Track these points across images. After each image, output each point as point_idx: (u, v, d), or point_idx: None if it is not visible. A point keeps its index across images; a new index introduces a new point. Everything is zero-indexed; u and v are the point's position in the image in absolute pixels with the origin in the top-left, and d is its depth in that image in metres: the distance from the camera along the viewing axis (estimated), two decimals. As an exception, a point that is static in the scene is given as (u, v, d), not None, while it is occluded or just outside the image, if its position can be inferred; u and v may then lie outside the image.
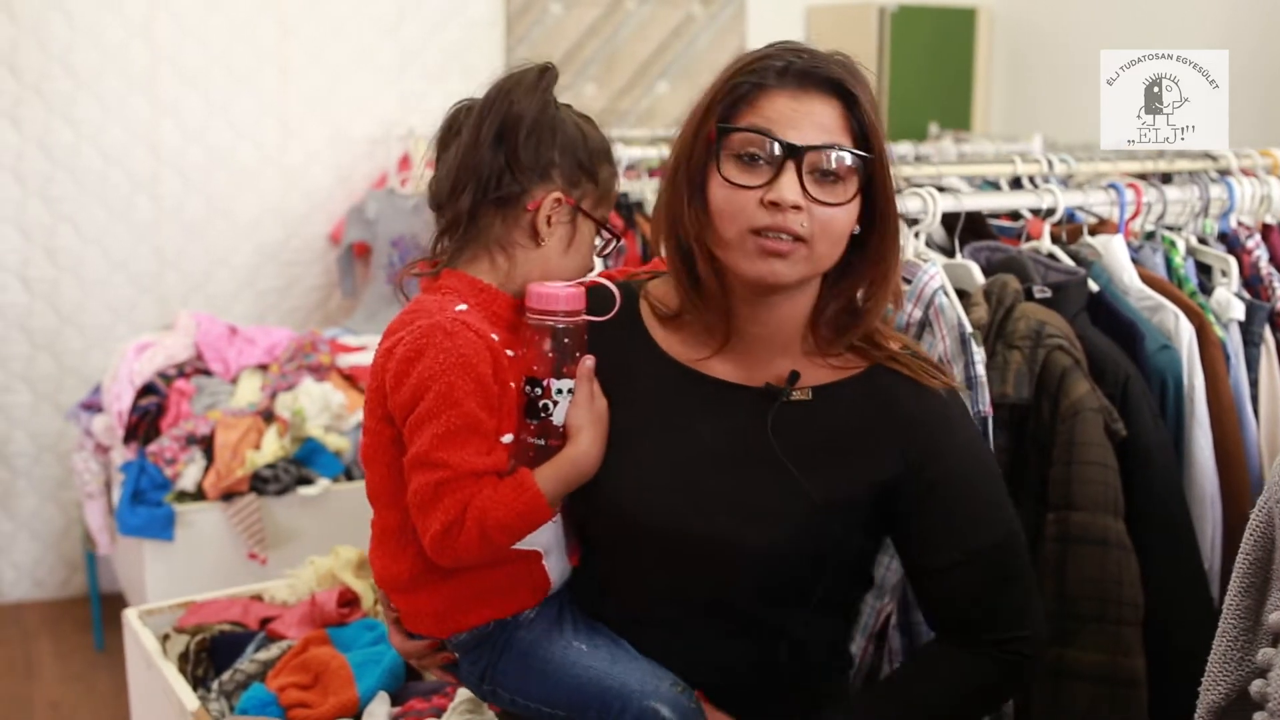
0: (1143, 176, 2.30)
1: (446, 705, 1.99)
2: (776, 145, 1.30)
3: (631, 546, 1.42)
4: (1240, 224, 2.26)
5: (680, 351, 1.45)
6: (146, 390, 3.69)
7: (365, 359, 3.83)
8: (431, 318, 1.33)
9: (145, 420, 3.61)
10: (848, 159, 1.32)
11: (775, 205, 1.30)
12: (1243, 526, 1.24)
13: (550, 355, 1.38)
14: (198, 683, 2.27)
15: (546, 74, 1.39)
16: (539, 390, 1.37)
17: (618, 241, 1.52)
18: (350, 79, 4.68)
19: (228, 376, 3.79)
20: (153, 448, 3.44)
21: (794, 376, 1.40)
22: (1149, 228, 2.24)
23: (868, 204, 1.37)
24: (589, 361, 1.40)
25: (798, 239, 1.31)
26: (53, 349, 4.36)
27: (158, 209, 4.44)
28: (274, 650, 2.26)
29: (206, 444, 3.45)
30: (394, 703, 2.08)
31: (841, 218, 1.33)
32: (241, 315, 4.54)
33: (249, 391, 3.69)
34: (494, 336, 1.35)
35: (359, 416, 3.62)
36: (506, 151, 1.37)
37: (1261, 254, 2.20)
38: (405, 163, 4.44)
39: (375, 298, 4.33)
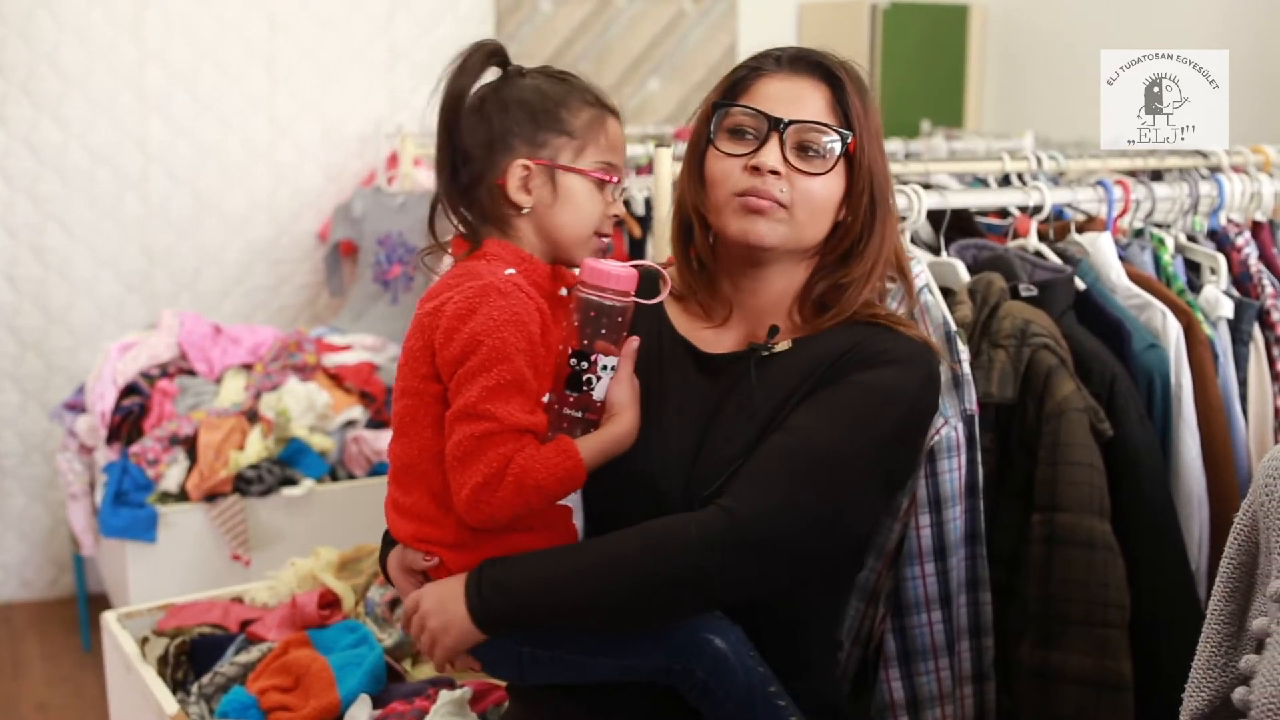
0: (1132, 174, 2.28)
1: (428, 707, 1.98)
2: (762, 118, 1.44)
3: (648, 513, 1.41)
4: (1230, 221, 2.24)
5: (688, 326, 1.55)
6: (129, 390, 3.67)
7: (351, 358, 3.81)
8: (483, 279, 1.36)
9: (128, 420, 3.59)
10: (827, 135, 1.44)
11: (756, 170, 1.43)
12: (1230, 527, 1.22)
13: (601, 332, 1.40)
14: (177, 686, 2.25)
15: (476, 51, 1.42)
16: (585, 364, 1.40)
17: (615, 182, 1.48)
18: (340, 76, 4.66)
19: (211, 376, 3.77)
20: (135, 448, 3.42)
21: (773, 330, 1.49)
22: (1138, 225, 2.22)
23: (858, 190, 1.47)
24: (634, 342, 1.45)
25: (778, 204, 1.43)
26: (40, 348, 4.34)
27: (146, 207, 4.42)
28: (254, 653, 2.25)
29: (190, 444, 3.43)
30: (375, 705, 2.07)
31: (819, 189, 1.44)
32: (230, 313, 4.52)
33: (233, 391, 3.67)
34: (541, 300, 1.39)
35: (344, 416, 3.60)
36: (457, 136, 1.41)
37: (1251, 251, 2.18)
38: (393, 160, 4.43)
39: (362, 296, 4.31)
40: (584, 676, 1.44)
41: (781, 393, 1.44)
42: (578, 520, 1.47)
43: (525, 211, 1.43)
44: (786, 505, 1.35)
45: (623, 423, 1.41)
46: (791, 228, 1.44)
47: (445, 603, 1.38)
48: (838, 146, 1.44)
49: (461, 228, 1.47)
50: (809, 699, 1.50)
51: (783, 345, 1.48)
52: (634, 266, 1.43)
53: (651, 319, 1.52)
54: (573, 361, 1.40)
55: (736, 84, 1.49)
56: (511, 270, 1.39)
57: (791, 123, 1.43)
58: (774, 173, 1.42)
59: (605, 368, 1.41)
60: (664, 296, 1.50)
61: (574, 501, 1.46)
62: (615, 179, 1.46)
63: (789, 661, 1.48)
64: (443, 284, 1.41)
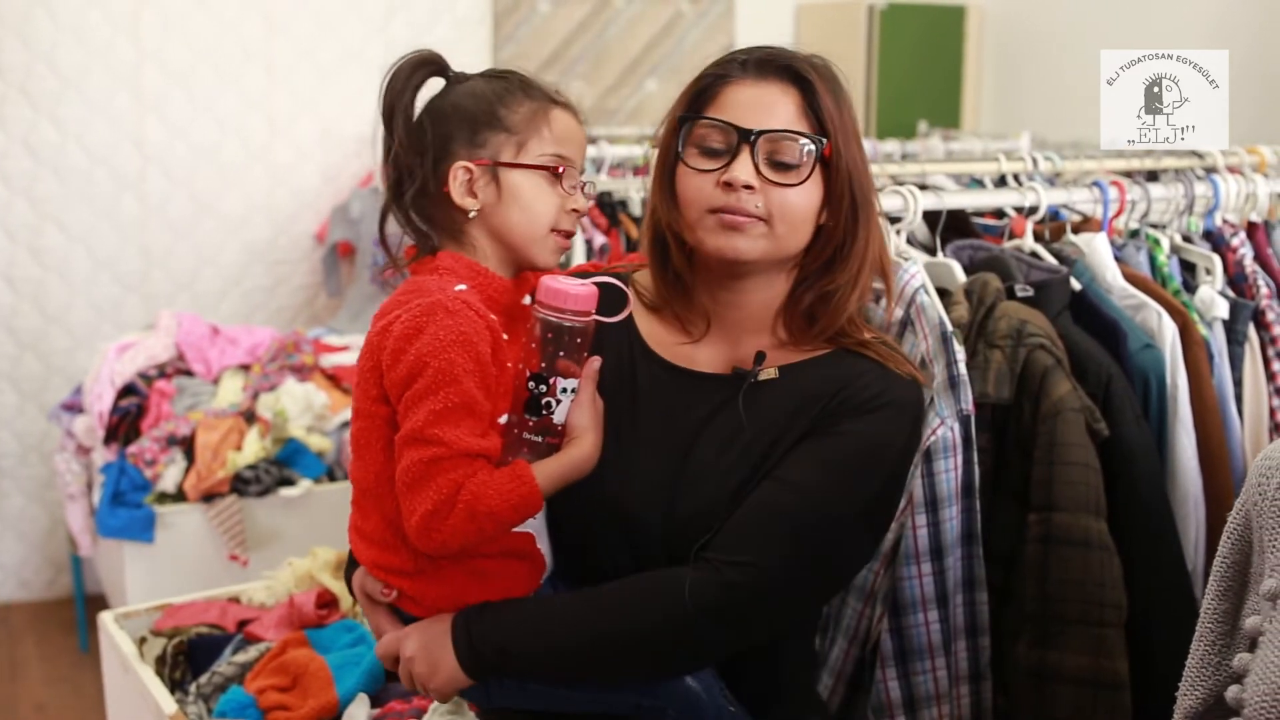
0: (1128, 174, 2.29)
1: (427, 706, 1.98)
2: (732, 131, 1.36)
3: (619, 537, 1.41)
4: (1225, 222, 2.25)
5: (663, 341, 1.48)
6: (127, 391, 3.67)
7: (349, 359, 3.81)
8: (431, 296, 1.31)
9: (126, 421, 3.59)
10: (800, 143, 1.37)
11: (729, 186, 1.36)
12: (1226, 527, 1.23)
13: (560, 354, 1.35)
14: (175, 686, 2.25)
15: (401, 68, 1.39)
16: (544, 387, 1.34)
17: (555, 171, 1.41)
18: (338, 77, 4.66)
19: (209, 377, 3.77)
20: (133, 449, 3.42)
21: (760, 356, 1.42)
22: (1133, 226, 2.22)
23: (838, 195, 1.39)
24: (596, 363, 1.40)
25: (755, 218, 1.36)
26: (38, 349, 4.34)
27: (144, 208, 4.43)
28: (252, 652, 2.25)
29: (187, 445, 3.43)
30: (373, 704, 2.07)
31: (796, 199, 1.37)
32: (228, 314, 4.52)
33: (230, 392, 3.67)
34: (492, 318, 1.34)
35: (342, 417, 3.60)
36: (398, 150, 1.38)
37: (1246, 252, 2.18)
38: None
39: (360, 297, 4.31)
40: (552, 706, 1.41)
41: (772, 430, 1.39)
42: (542, 545, 1.42)
43: (473, 216, 1.38)
44: (783, 571, 1.34)
45: (582, 447, 1.36)
46: (772, 240, 1.37)
47: (431, 650, 1.36)
48: (813, 153, 1.37)
49: (417, 241, 1.43)
50: None
51: (769, 374, 1.42)
52: (595, 283, 1.37)
53: (620, 332, 1.46)
54: (531, 384, 1.34)
55: (702, 93, 1.41)
56: (462, 286, 1.35)
57: (762, 133, 1.36)
58: (748, 187, 1.35)
59: (565, 390, 1.36)
60: (627, 314, 1.43)
61: (538, 526, 1.41)
62: (561, 169, 1.40)
63: (766, 686, 1.47)
64: (393, 300, 1.37)
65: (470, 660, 1.34)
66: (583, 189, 1.43)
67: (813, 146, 1.37)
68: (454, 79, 1.42)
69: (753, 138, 1.36)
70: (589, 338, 1.37)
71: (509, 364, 1.35)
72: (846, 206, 1.40)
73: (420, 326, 1.29)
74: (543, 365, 1.34)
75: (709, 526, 1.35)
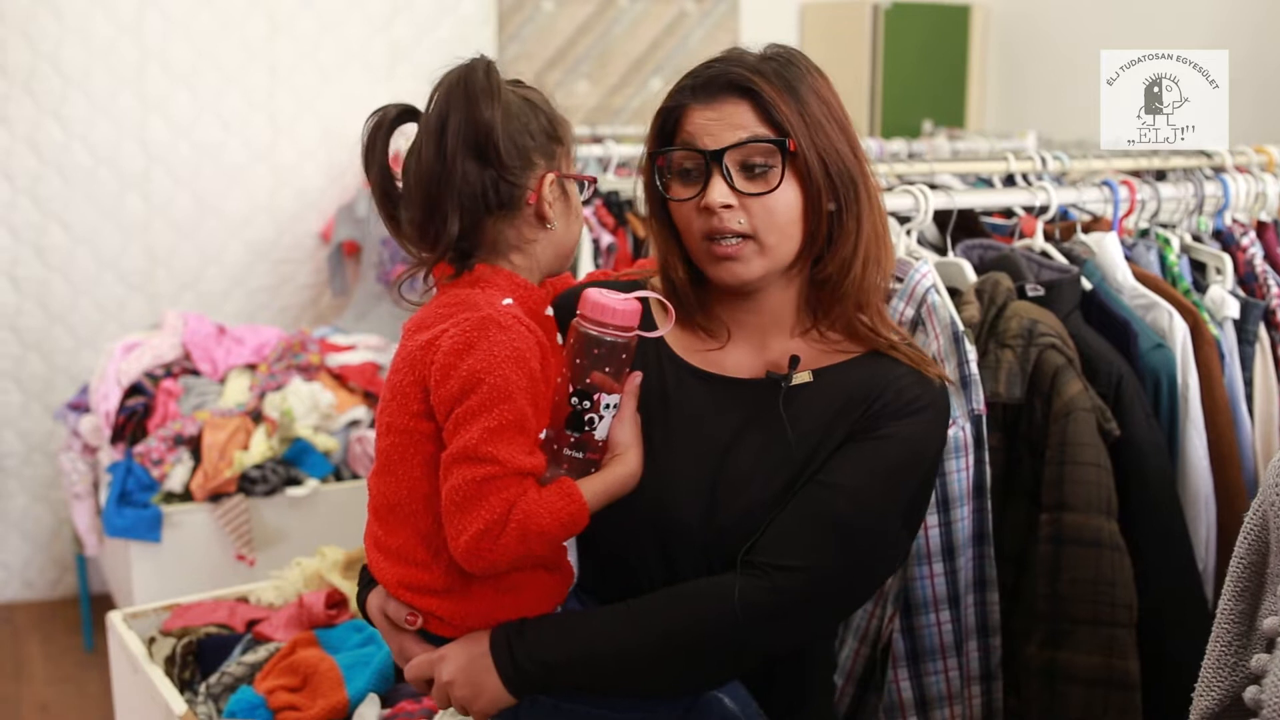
0: (1137, 174, 2.29)
1: (436, 708, 1.98)
2: (697, 155, 1.38)
3: (656, 546, 1.40)
4: (1235, 221, 2.25)
5: (688, 347, 1.47)
6: (134, 390, 3.67)
7: (354, 358, 3.82)
8: (480, 310, 1.29)
9: (132, 421, 3.59)
10: (763, 149, 1.37)
11: (708, 210, 1.37)
12: (1237, 527, 1.22)
13: (604, 369, 1.32)
14: (184, 686, 2.25)
15: (493, 71, 1.34)
16: (587, 403, 1.32)
17: (595, 184, 1.49)
18: (341, 77, 4.66)
19: (216, 376, 3.77)
20: (140, 448, 3.42)
21: (794, 361, 1.42)
22: (1143, 225, 2.22)
23: (815, 186, 1.39)
24: (638, 378, 1.39)
25: (743, 237, 1.37)
26: (42, 348, 4.34)
27: (147, 207, 4.43)
28: (261, 652, 2.25)
29: (194, 444, 3.43)
30: (384, 704, 2.07)
31: (776, 205, 1.37)
32: (232, 314, 4.53)
33: (237, 391, 3.67)
34: (539, 331, 1.33)
35: (348, 416, 3.61)
36: (492, 161, 1.32)
37: (1256, 251, 2.18)
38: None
39: (365, 296, 4.32)
40: None
41: (813, 434, 1.39)
42: (570, 556, 1.40)
43: (549, 227, 1.37)
44: (831, 574, 1.34)
45: (627, 463, 1.35)
46: (766, 256, 1.38)
47: (472, 672, 1.33)
48: (779, 155, 1.36)
49: (455, 260, 1.37)
50: None
51: (803, 377, 1.41)
52: (637, 297, 1.36)
53: (646, 341, 1.44)
54: (574, 400, 1.32)
55: (665, 125, 1.43)
56: (509, 300, 1.33)
57: (724, 151, 1.36)
58: (727, 206, 1.36)
59: (609, 406, 1.33)
60: (667, 329, 1.43)
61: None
62: (595, 183, 1.44)
63: (794, 690, 1.47)
64: (433, 314, 1.34)
65: (515, 679, 1.32)
66: None
67: (777, 150, 1.37)
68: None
69: (717, 158, 1.37)
70: (632, 353, 1.35)
71: (554, 378, 1.34)
72: (828, 192, 1.39)
73: (472, 342, 1.26)
74: (586, 381, 1.32)
75: (750, 532, 1.35)
